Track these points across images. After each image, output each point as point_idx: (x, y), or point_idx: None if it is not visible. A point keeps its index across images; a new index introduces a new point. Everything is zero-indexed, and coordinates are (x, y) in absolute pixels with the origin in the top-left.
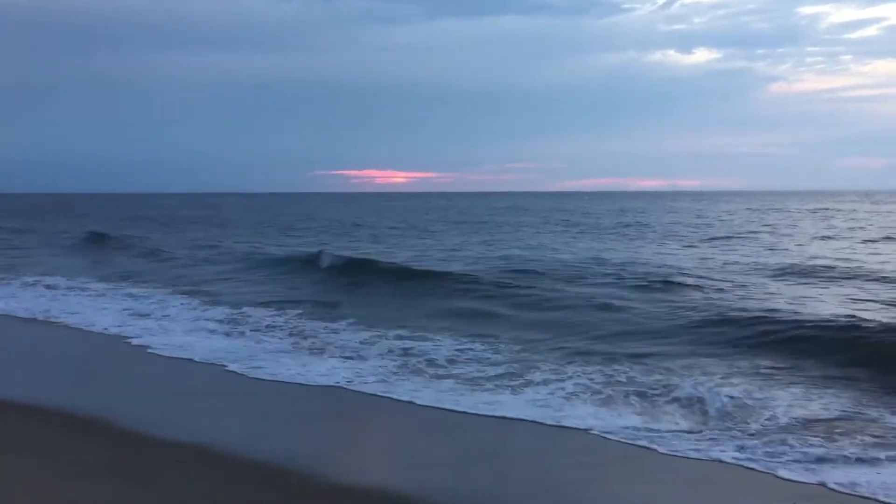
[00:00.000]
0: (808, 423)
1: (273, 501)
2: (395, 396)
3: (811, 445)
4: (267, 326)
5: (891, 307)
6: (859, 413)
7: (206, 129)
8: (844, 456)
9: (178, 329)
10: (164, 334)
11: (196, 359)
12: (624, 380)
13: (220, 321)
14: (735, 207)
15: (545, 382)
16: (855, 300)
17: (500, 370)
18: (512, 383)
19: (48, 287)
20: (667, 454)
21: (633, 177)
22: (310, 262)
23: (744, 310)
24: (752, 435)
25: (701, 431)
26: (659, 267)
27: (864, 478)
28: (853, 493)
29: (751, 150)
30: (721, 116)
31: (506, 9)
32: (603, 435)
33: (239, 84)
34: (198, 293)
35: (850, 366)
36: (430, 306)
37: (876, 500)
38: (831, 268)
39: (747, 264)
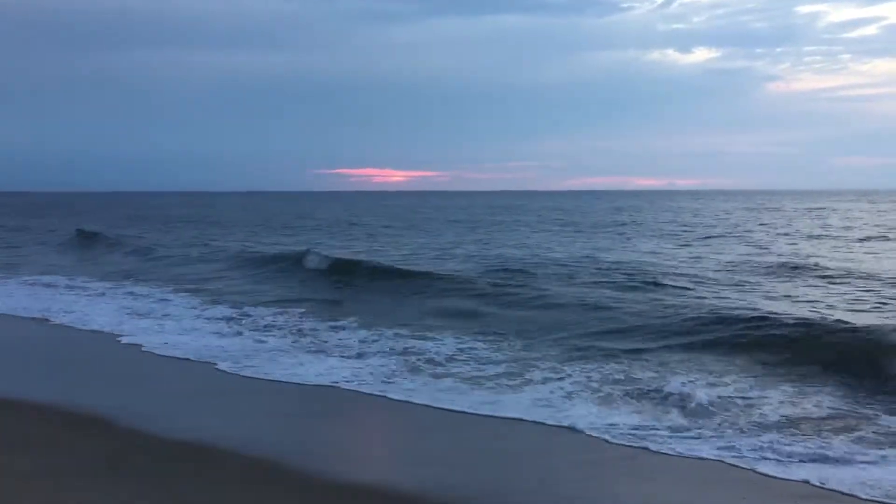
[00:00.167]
0: (798, 422)
1: (272, 499)
2: (393, 396)
3: (803, 444)
4: (266, 326)
5: (878, 308)
6: (850, 411)
7: (204, 127)
8: (835, 454)
9: (176, 328)
10: (162, 333)
11: (195, 358)
12: (622, 378)
13: (219, 320)
14: (732, 206)
15: (544, 381)
16: (842, 299)
17: (498, 369)
18: (511, 382)
19: (45, 285)
20: (665, 453)
21: (631, 176)
22: (296, 262)
23: (734, 309)
24: (747, 433)
25: (699, 430)
26: (652, 266)
27: (853, 475)
28: (849, 492)
29: (749, 150)
30: (719, 116)
31: (505, 7)
32: (602, 434)
33: (237, 82)
34: (187, 291)
35: (836, 364)
36: (423, 306)
37: (873, 501)
38: (820, 267)
39: (740, 263)
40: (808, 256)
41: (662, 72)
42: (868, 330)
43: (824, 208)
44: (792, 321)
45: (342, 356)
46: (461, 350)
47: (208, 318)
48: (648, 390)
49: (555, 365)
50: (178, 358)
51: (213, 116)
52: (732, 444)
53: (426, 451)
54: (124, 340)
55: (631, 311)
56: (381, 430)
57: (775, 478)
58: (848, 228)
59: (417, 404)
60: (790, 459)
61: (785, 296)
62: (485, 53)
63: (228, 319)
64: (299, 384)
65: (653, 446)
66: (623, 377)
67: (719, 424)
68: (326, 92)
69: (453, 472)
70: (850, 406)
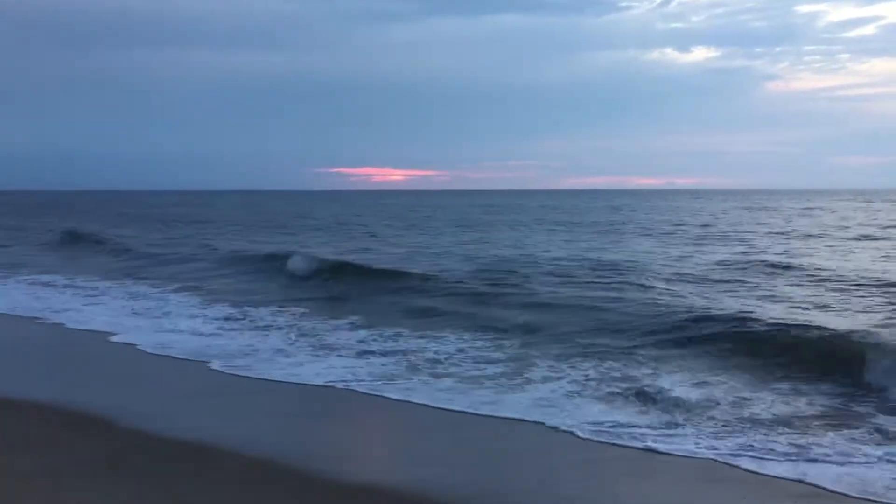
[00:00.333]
0: (791, 420)
1: (272, 499)
2: (393, 396)
3: (798, 442)
4: (265, 326)
5: (867, 310)
6: (842, 410)
7: (204, 127)
8: (831, 453)
9: (175, 327)
10: (159, 333)
11: (193, 358)
12: (618, 376)
13: (218, 319)
14: (729, 206)
15: (544, 380)
16: (830, 299)
17: (497, 369)
18: (510, 382)
19: (42, 285)
20: (663, 452)
21: (630, 175)
22: (281, 262)
23: (722, 309)
24: (742, 432)
25: (694, 429)
26: (644, 265)
27: (850, 475)
28: (844, 492)
29: (748, 149)
30: (719, 115)
31: (504, 7)
32: (600, 433)
33: (237, 82)
34: (184, 290)
35: (824, 364)
36: (419, 306)
37: (871, 500)
38: (808, 267)
39: (730, 263)
40: (798, 256)
41: (661, 71)
42: (852, 331)
43: (821, 208)
44: (777, 321)
45: (341, 356)
46: (460, 350)
47: (206, 318)
48: (644, 390)
49: (553, 364)
50: (177, 358)
51: (213, 116)
52: (729, 443)
53: (426, 451)
54: (122, 340)
55: (623, 311)
56: (381, 430)
57: (773, 477)
58: (841, 228)
59: (417, 404)
60: (787, 459)
61: (772, 296)
62: (484, 53)
63: (227, 319)
64: (298, 384)
65: (651, 445)
66: (619, 375)
67: (714, 424)
68: (326, 91)
69: (453, 471)
70: (842, 405)
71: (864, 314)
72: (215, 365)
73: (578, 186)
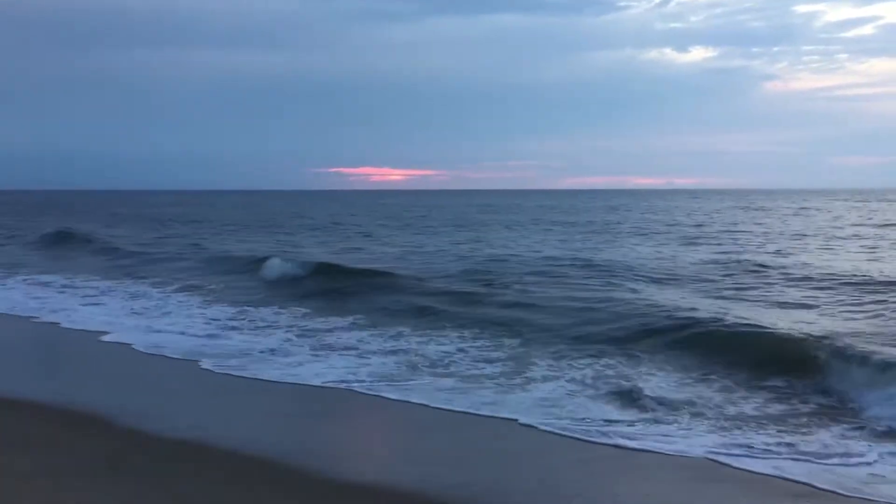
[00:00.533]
0: (785, 419)
1: (272, 499)
2: (393, 396)
3: (794, 442)
4: (265, 326)
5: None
6: (831, 409)
7: (204, 126)
8: (826, 452)
9: (173, 327)
10: (158, 333)
11: (193, 358)
12: (611, 374)
13: (217, 320)
14: (725, 206)
15: (543, 380)
16: (814, 301)
17: (496, 368)
18: (510, 382)
19: (39, 284)
20: (662, 452)
21: (630, 175)
22: (258, 265)
23: (702, 309)
24: (736, 431)
25: (689, 428)
26: (635, 266)
27: (845, 474)
28: (840, 491)
29: (747, 149)
30: (717, 115)
31: (503, 7)
32: (599, 433)
33: (235, 81)
34: (181, 291)
35: (811, 364)
36: (414, 306)
37: (869, 500)
38: (789, 266)
39: (718, 263)
40: (783, 256)
41: (660, 71)
42: (834, 332)
43: (817, 208)
44: (753, 322)
45: (341, 356)
46: (458, 350)
47: (206, 318)
48: (636, 389)
49: (550, 364)
50: (176, 358)
51: (212, 115)
52: (724, 441)
53: (426, 451)
54: (121, 340)
55: (611, 311)
56: (381, 430)
57: (768, 476)
58: (834, 228)
59: (416, 404)
60: (778, 457)
61: (757, 297)
62: (484, 53)
63: (227, 319)
64: (299, 384)
65: (648, 445)
66: (613, 374)
67: (707, 422)
68: (325, 91)
69: (453, 471)
70: (832, 403)
71: (840, 316)
72: (215, 365)
73: (578, 186)
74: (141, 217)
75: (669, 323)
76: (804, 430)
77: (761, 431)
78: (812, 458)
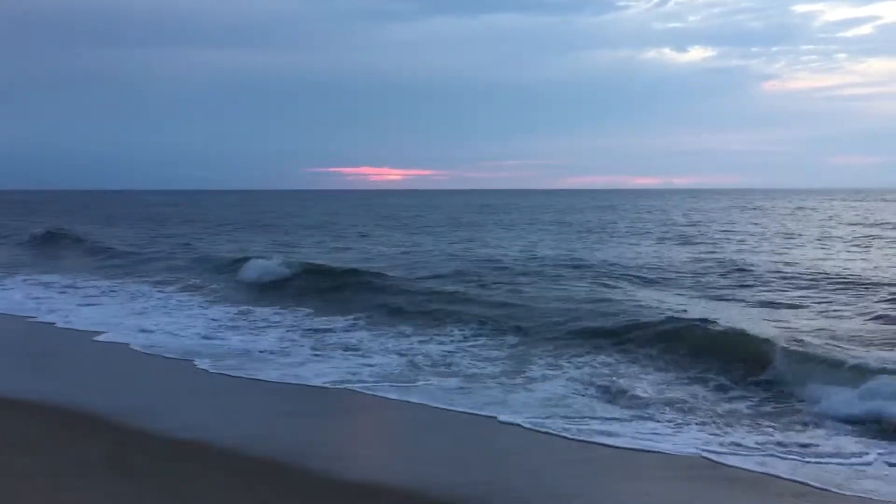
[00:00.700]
0: (778, 418)
1: (273, 499)
2: (393, 395)
3: (790, 440)
4: (265, 326)
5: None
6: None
7: (202, 125)
8: (823, 451)
9: (172, 327)
10: (157, 333)
11: (193, 358)
12: (606, 371)
13: (217, 320)
14: (721, 206)
15: (542, 379)
16: (786, 300)
17: (496, 368)
18: (511, 381)
19: (34, 284)
20: (660, 452)
21: (629, 175)
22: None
23: (690, 310)
24: (728, 430)
25: (684, 427)
26: (629, 266)
27: (839, 472)
28: (835, 489)
29: (746, 148)
30: (716, 114)
31: (502, 6)
32: (598, 432)
33: (233, 80)
34: (182, 291)
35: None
36: (411, 306)
37: (868, 499)
38: (771, 267)
39: (709, 263)
40: (768, 256)
41: (659, 71)
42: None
43: (813, 208)
44: (734, 326)
45: (341, 356)
46: (452, 351)
47: (206, 318)
48: (634, 390)
49: (549, 362)
50: (177, 358)
51: (212, 115)
52: (721, 440)
53: (426, 451)
54: (120, 340)
55: (605, 311)
56: (382, 430)
57: (767, 475)
58: (825, 228)
59: (417, 403)
60: (776, 456)
61: (745, 297)
62: (483, 52)
63: (227, 319)
64: (299, 384)
65: (645, 444)
66: (608, 372)
67: (701, 421)
68: (325, 91)
69: (453, 471)
70: (811, 403)
71: (814, 317)
72: (214, 365)
73: (577, 186)
74: (137, 217)
75: (657, 323)
76: (795, 428)
77: (752, 430)
78: (811, 458)
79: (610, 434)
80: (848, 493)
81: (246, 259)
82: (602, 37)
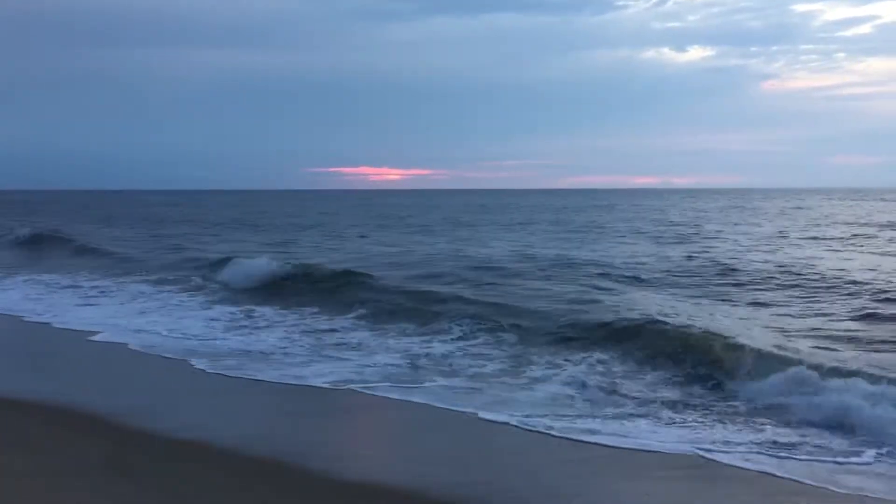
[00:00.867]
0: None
1: (273, 499)
2: (393, 395)
3: (771, 438)
4: (266, 325)
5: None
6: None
7: (202, 125)
8: (822, 449)
9: (171, 327)
10: (156, 333)
11: (193, 357)
12: (601, 369)
13: (217, 320)
14: (717, 205)
15: (541, 380)
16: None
17: (496, 366)
18: (512, 381)
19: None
20: (658, 451)
21: (628, 174)
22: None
23: (681, 311)
24: (722, 429)
25: (680, 425)
26: (619, 266)
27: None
28: (831, 487)
29: (745, 148)
30: (715, 114)
31: (501, 6)
32: (595, 432)
33: (233, 80)
34: (183, 292)
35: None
36: (409, 306)
37: (871, 497)
38: (753, 266)
39: (702, 262)
40: (753, 255)
41: (658, 70)
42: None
43: (811, 207)
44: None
45: (340, 356)
46: (456, 350)
47: (207, 318)
48: (630, 389)
49: (547, 362)
50: (177, 358)
51: (211, 115)
52: (717, 439)
53: (426, 451)
54: (120, 340)
55: (595, 311)
56: (382, 430)
57: (765, 473)
58: (819, 227)
59: (416, 403)
60: (774, 455)
61: (728, 297)
62: (483, 52)
63: (227, 319)
64: (299, 384)
65: (642, 443)
66: (603, 370)
67: (699, 420)
68: (324, 90)
69: (454, 471)
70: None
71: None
72: (214, 365)
73: (576, 186)
74: (136, 217)
75: (645, 323)
76: (790, 426)
77: (749, 429)
78: (804, 456)
79: (609, 433)
80: (843, 490)
81: (229, 259)
82: (601, 37)
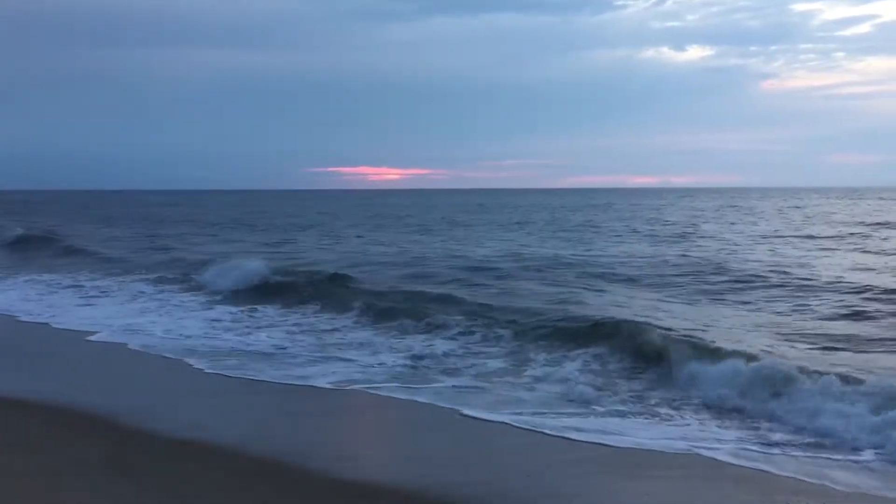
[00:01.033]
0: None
1: (272, 499)
2: (394, 395)
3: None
4: (266, 325)
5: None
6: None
7: (200, 125)
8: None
9: (171, 327)
10: (156, 333)
11: (193, 357)
12: (597, 368)
13: (217, 320)
14: (713, 205)
15: (540, 380)
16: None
17: (497, 364)
18: (511, 380)
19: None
20: (652, 450)
21: (627, 174)
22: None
23: (668, 312)
24: (713, 427)
25: (676, 423)
26: (612, 265)
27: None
28: (830, 485)
29: (744, 147)
30: (714, 113)
31: (501, 6)
32: (593, 431)
33: (233, 80)
34: (183, 291)
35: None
36: (406, 306)
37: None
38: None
39: (693, 261)
40: (742, 255)
41: (657, 70)
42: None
43: (808, 206)
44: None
45: (339, 356)
46: (454, 350)
47: (207, 318)
48: (625, 389)
49: (545, 363)
50: (177, 358)
51: (211, 115)
52: (716, 438)
53: (426, 451)
54: (120, 340)
55: (582, 310)
56: (381, 430)
57: (764, 471)
58: (812, 226)
59: (416, 403)
60: (772, 453)
61: (719, 298)
62: (482, 52)
63: (228, 319)
64: (299, 384)
65: (640, 442)
66: (598, 369)
67: (697, 419)
68: (324, 90)
69: (454, 471)
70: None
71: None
72: (214, 365)
73: (575, 185)
74: (135, 217)
75: (635, 323)
76: (787, 424)
77: (746, 428)
78: (799, 453)
79: (607, 432)
80: (841, 488)
81: (212, 260)
82: (601, 36)
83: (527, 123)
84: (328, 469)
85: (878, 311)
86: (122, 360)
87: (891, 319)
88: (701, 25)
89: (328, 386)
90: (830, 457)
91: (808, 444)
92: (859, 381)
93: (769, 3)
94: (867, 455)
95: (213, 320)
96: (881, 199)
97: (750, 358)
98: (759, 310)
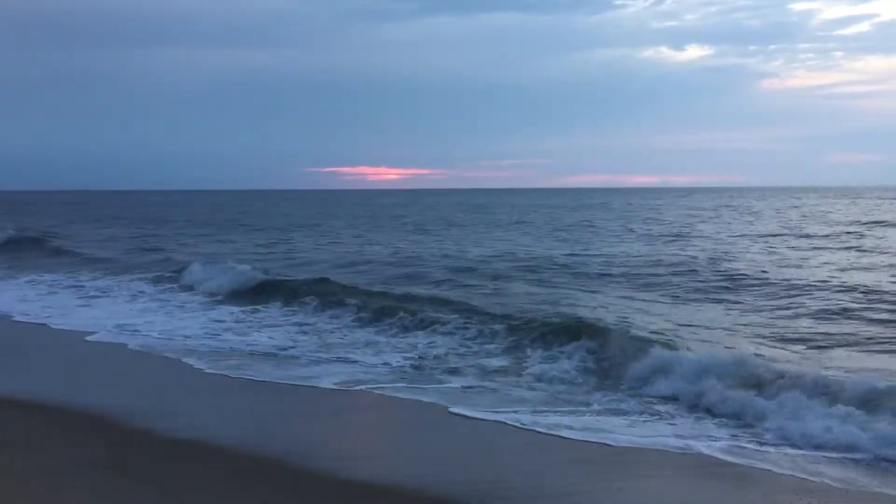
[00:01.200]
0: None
1: (272, 499)
2: (394, 394)
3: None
4: (268, 325)
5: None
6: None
7: (200, 125)
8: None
9: (171, 327)
10: (155, 333)
11: (193, 357)
12: (594, 367)
13: (218, 321)
14: (711, 204)
15: (538, 380)
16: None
17: (497, 362)
18: (510, 380)
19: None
20: (661, 450)
21: (626, 173)
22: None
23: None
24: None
25: (672, 422)
26: (607, 265)
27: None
28: (830, 485)
29: (743, 147)
30: (713, 113)
31: (500, 6)
32: (592, 431)
33: (233, 80)
34: (181, 291)
35: None
36: (404, 305)
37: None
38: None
39: (684, 261)
40: (730, 255)
41: (656, 69)
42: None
43: (806, 206)
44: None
45: (338, 356)
46: (452, 350)
47: (208, 318)
48: (624, 388)
49: (543, 363)
50: (177, 358)
51: (210, 115)
52: (714, 436)
53: (427, 451)
54: (120, 340)
55: (571, 310)
56: (382, 430)
57: (763, 470)
58: (808, 226)
59: (416, 403)
60: (771, 452)
61: (713, 298)
62: (481, 51)
63: (228, 320)
64: (299, 384)
65: (638, 442)
66: (595, 368)
67: (696, 418)
68: (320, 90)
69: (454, 471)
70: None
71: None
72: (214, 365)
73: (576, 185)
74: (134, 217)
75: (620, 323)
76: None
77: (744, 427)
78: (795, 452)
79: (607, 431)
80: (839, 485)
81: (193, 263)
82: (600, 36)
83: (526, 123)
84: (328, 469)
85: (866, 309)
86: (121, 360)
87: (880, 318)
88: (700, 25)
89: (328, 386)
90: (824, 455)
91: (798, 442)
92: (846, 380)
93: (768, 2)
94: (858, 453)
95: (214, 321)
96: (880, 198)
97: (738, 357)
98: (749, 309)
